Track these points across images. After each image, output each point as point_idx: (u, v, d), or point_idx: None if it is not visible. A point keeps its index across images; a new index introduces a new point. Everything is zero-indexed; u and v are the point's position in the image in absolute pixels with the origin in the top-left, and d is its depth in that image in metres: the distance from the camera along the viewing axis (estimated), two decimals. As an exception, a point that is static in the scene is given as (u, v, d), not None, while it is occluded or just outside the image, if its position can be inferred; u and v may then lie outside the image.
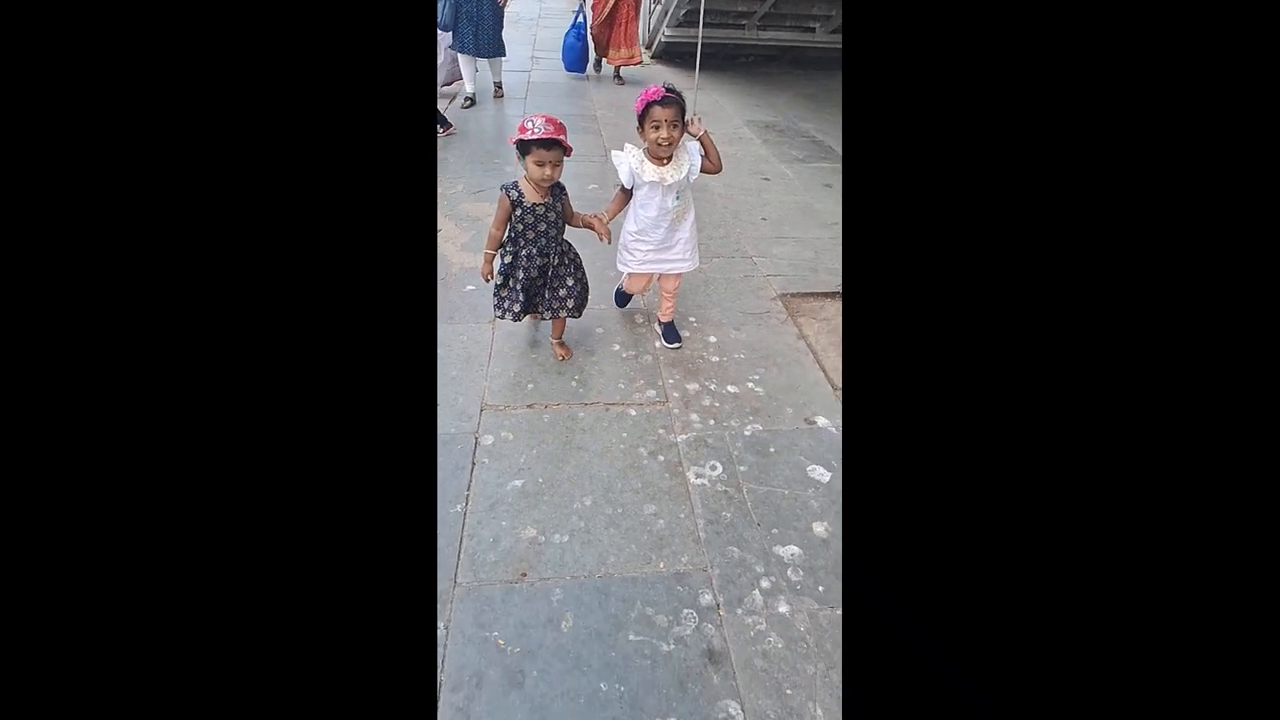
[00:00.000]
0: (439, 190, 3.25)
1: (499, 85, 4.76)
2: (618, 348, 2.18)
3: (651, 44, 6.16)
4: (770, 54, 6.34)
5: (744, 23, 5.69)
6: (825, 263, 2.81)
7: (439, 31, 4.29)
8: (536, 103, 4.80)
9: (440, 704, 1.17)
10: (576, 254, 2.00)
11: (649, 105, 1.79)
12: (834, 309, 2.50)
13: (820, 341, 2.29)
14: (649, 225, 1.98)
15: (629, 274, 2.13)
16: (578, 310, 2.00)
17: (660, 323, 2.22)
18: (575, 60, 5.36)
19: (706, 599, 1.39)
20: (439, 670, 1.22)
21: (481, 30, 4.27)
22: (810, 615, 1.36)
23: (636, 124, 1.87)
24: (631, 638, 1.30)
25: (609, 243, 1.98)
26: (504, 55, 4.55)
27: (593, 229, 1.95)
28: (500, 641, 1.27)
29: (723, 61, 6.18)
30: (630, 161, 1.90)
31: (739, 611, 1.36)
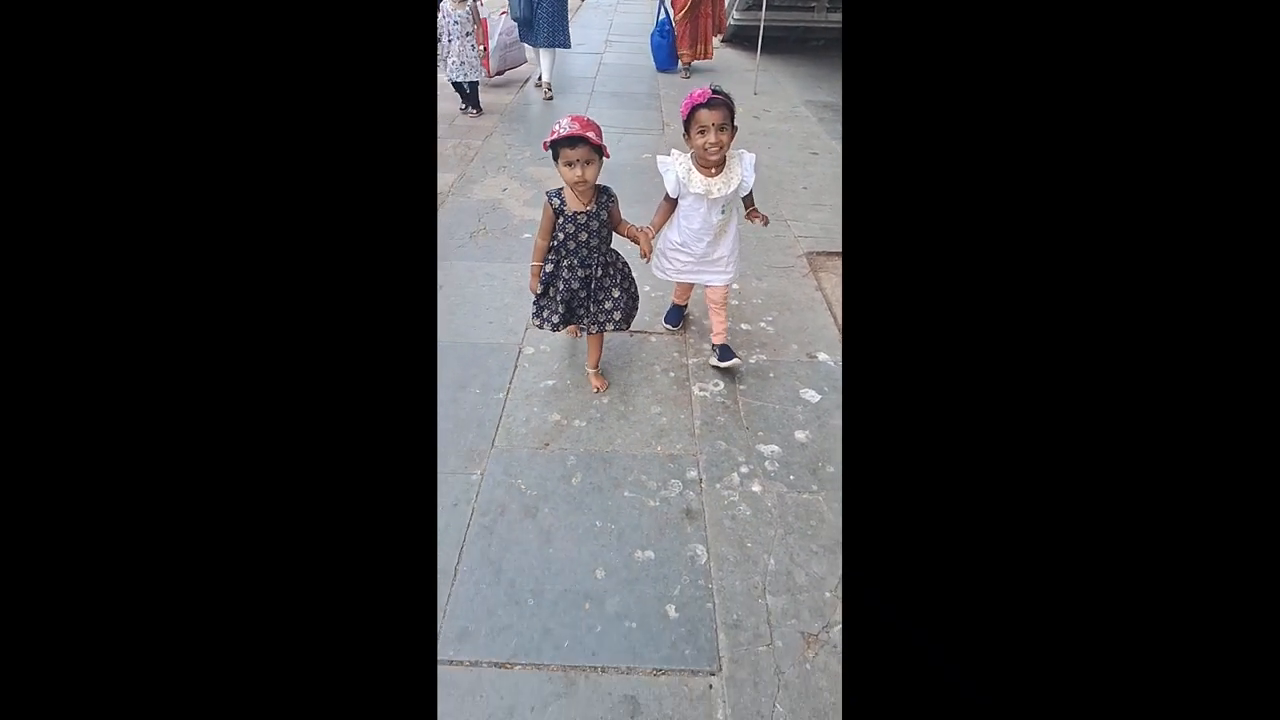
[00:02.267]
0: (509, 156, 3.64)
1: (548, 84, 4.58)
2: (649, 288, 2.46)
3: (721, 29, 6.34)
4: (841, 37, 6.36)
5: (813, 5, 5.77)
6: (856, 228, 2.97)
7: (510, 20, 4.54)
8: (605, 82, 5.13)
9: (471, 524, 1.52)
10: (625, 264, 1.87)
11: (694, 109, 1.67)
12: (855, 267, 2.68)
13: (836, 292, 2.48)
14: (691, 237, 1.87)
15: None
16: (625, 323, 1.88)
17: (713, 344, 2.04)
18: (666, 58, 5.35)
19: (691, 474, 1.66)
20: (473, 501, 1.57)
21: (539, 19, 4.38)
22: (778, 496, 1.61)
23: (683, 130, 1.76)
24: (626, 494, 1.60)
25: (649, 261, 1.90)
26: (566, 46, 4.56)
27: (636, 243, 1.82)
28: (522, 486, 1.61)
29: (793, 45, 6.27)
30: (677, 169, 1.77)
31: (718, 486, 1.63)
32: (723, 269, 1.94)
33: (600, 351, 1.96)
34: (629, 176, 3.34)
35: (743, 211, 1.91)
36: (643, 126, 4.16)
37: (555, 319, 1.83)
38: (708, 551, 1.47)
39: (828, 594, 1.39)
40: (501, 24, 4.68)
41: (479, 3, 4.29)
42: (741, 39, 6.22)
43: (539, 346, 2.13)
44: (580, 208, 1.71)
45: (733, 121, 1.70)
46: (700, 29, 5.25)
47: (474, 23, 4.15)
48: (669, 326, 2.25)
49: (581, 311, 1.85)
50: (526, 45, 4.71)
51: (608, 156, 1.68)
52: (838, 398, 1.94)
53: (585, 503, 1.57)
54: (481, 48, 4.30)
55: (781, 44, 6.11)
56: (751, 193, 1.87)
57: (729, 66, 5.61)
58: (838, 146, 3.97)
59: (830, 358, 2.12)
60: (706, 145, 1.68)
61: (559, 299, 1.80)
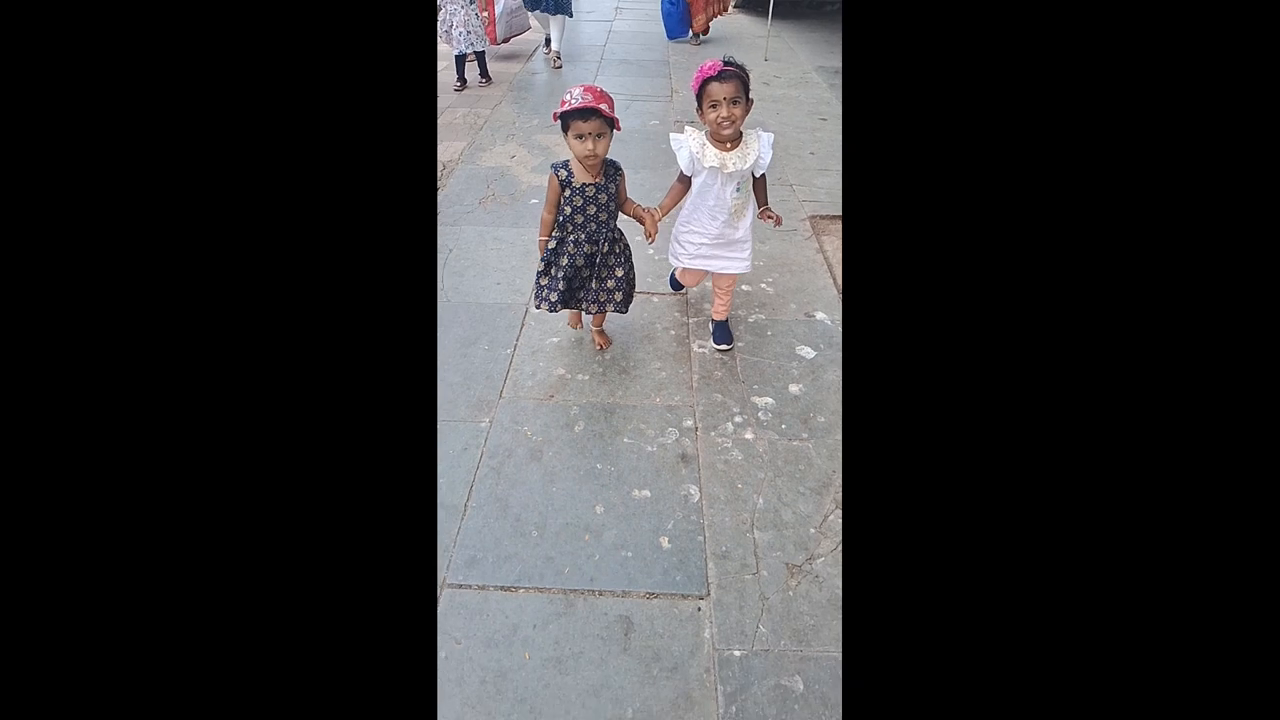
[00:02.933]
0: (517, 124, 3.69)
1: (557, 54, 4.61)
2: (651, 251, 2.53)
3: (734, -7, 6.24)
4: (856, 1, 6.23)
5: (827, -32, 5.66)
6: (861, 193, 2.99)
7: None
8: (614, 49, 5.11)
9: (480, 466, 1.62)
10: (628, 244, 1.85)
11: (705, 82, 1.60)
12: (857, 231, 2.71)
13: (837, 255, 2.52)
14: (704, 216, 1.80)
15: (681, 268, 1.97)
16: (624, 305, 1.86)
17: (712, 320, 2.04)
18: (676, 25, 5.27)
19: (688, 423, 1.75)
20: (482, 446, 1.67)
21: None
22: (770, 443, 1.70)
23: (695, 105, 1.69)
24: (625, 440, 1.69)
25: (653, 242, 1.86)
26: (569, 14, 4.55)
27: (641, 223, 1.78)
28: (528, 433, 1.71)
29: (805, 10, 6.17)
30: (691, 145, 1.70)
31: (712, 434, 1.72)
32: (740, 254, 1.86)
33: (605, 314, 2.00)
34: (636, 143, 3.38)
35: (756, 205, 1.84)
36: (651, 94, 4.16)
37: (554, 297, 1.79)
38: (700, 491, 1.56)
39: (812, 530, 1.48)
40: None
41: None
42: (754, 4, 6.12)
43: (545, 306, 2.22)
44: (588, 179, 1.69)
45: (747, 94, 1.63)
46: None
47: None
48: (670, 290, 2.32)
49: (582, 293, 1.83)
50: (531, 12, 4.70)
51: (619, 129, 1.64)
52: (832, 354, 2.01)
53: (587, 448, 1.67)
54: (485, 15, 4.29)
55: (794, 9, 6.01)
56: (765, 179, 1.81)
57: (740, 33, 5.55)
58: (846, 112, 3.95)
59: (827, 317, 2.18)
60: (719, 120, 1.61)
61: (560, 276, 1.77)
